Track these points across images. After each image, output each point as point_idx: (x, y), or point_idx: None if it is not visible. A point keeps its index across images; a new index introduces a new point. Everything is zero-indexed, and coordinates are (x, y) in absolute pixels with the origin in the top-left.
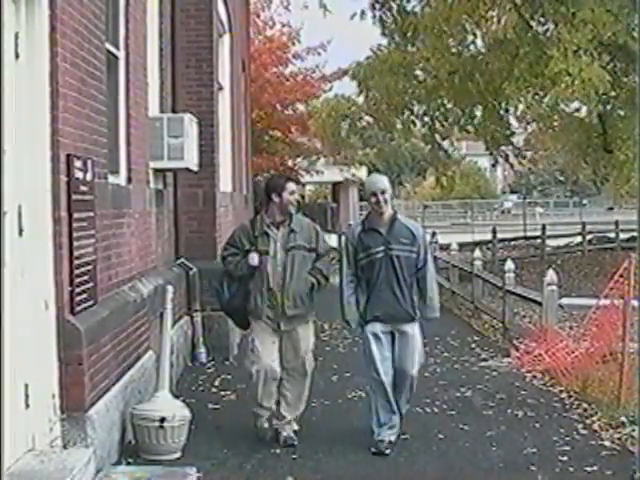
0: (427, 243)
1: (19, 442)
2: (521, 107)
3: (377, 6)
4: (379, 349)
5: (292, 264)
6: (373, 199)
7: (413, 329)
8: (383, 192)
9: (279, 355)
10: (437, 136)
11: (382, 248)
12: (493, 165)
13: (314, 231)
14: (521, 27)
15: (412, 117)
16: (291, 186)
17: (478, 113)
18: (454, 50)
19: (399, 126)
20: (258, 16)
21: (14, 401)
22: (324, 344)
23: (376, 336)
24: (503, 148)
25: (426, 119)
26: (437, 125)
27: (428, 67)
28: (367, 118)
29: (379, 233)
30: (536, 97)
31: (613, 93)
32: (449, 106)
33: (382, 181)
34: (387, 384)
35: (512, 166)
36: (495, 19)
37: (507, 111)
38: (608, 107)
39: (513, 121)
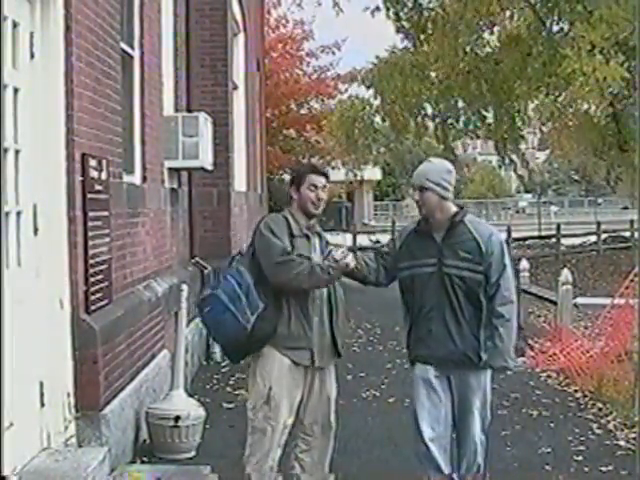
0: (505, 259)
1: (34, 441)
2: (531, 107)
3: (391, 1)
4: (429, 399)
5: (335, 289)
6: (416, 196)
7: (478, 378)
8: (423, 189)
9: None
10: (449, 136)
11: (433, 261)
12: (500, 166)
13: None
14: (535, 26)
15: (425, 118)
16: (313, 178)
17: (490, 114)
18: (467, 49)
19: (412, 127)
20: (269, 13)
21: (29, 400)
22: None
23: (427, 382)
24: (511, 149)
25: (438, 120)
26: (449, 126)
27: (441, 67)
28: (380, 119)
29: (432, 240)
30: (550, 97)
31: (626, 92)
32: (461, 106)
33: (424, 174)
34: (436, 451)
35: (517, 168)
36: (509, 17)
37: (518, 112)
38: (619, 107)
39: (526, 121)
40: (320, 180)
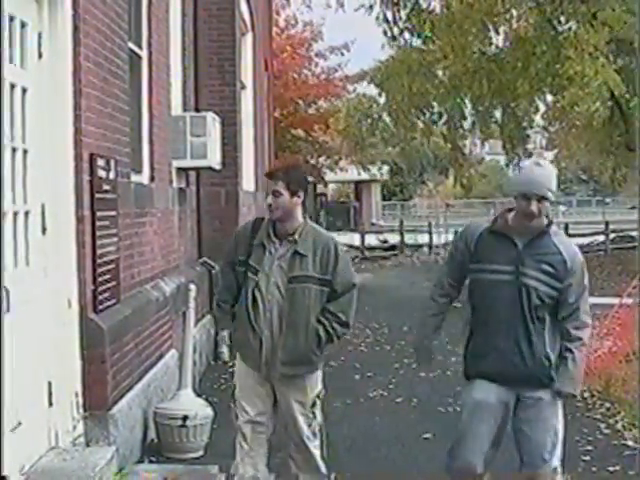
0: (585, 280)
1: (42, 440)
2: (535, 106)
3: (388, 3)
4: (479, 426)
5: (292, 303)
6: (523, 203)
7: (550, 398)
8: (542, 199)
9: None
10: (456, 135)
11: (510, 269)
12: (507, 165)
13: (333, 254)
14: (541, 25)
15: (432, 117)
16: (267, 185)
17: (497, 113)
18: (474, 49)
19: (420, 126)
20: (278, 14)
21: (37, 399)
22: (346, 343)
23: (481, 405)
24: (517, 149)
25: (445, 118)
26: (456, 124)
27: (448, 66)
28: (388, 117)
29: (513, 243)
30: (553, 97)
31: (627, 96)
32: (468, 106)
33: (545, 182)
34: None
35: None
36: (515, 17)
37: (522, 111)
38: (625, 107)
39: (532, 122)
40: (269, 185)
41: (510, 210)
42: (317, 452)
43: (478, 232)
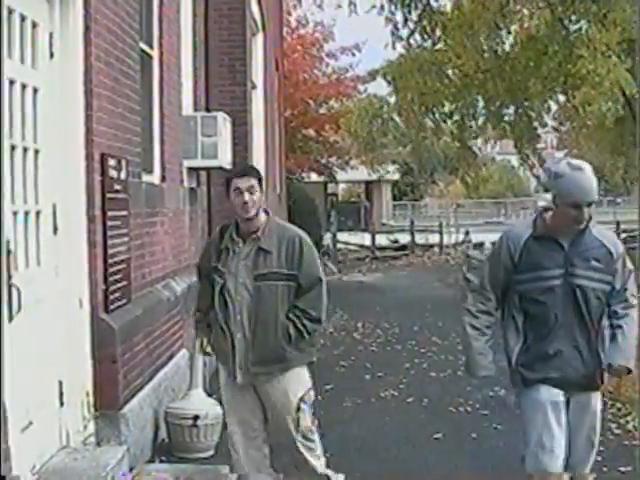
0: (628, 263)
1: (53, 439)
2: (547, 106)
3: (397, 4)
4: (555, 427)
5: (259, 301)
6: (574, 212)
7: (597, 402)
8: (590, 204)
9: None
10: (466, 135)
11: (560, 272)
12: (520, 164)
13: (298, 248)
14: (552, 25)
15: (442, 116)
16: (236, 182)
17: (508, 112)
18: (485, 48)
19: (430, 125)
20: (289, 14)
21: (48, 399)
22: (356, 343)
23: (555, 405)
24: (528, 149)
25: (456, 117)
26: (467, 124)
27: (459, 65)
28: (398, 117)
29: (559, 245)
30: (565, 96)
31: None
32: (480, 105)
33: (593, 184)
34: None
35: (532, 167)
36: (528, 16)
37: (534, 111)
38: (637, 107)
39: (543, 122)
40: (243, 182)
41: (546, 210)
42: (310, 453)
43: (521, 241)
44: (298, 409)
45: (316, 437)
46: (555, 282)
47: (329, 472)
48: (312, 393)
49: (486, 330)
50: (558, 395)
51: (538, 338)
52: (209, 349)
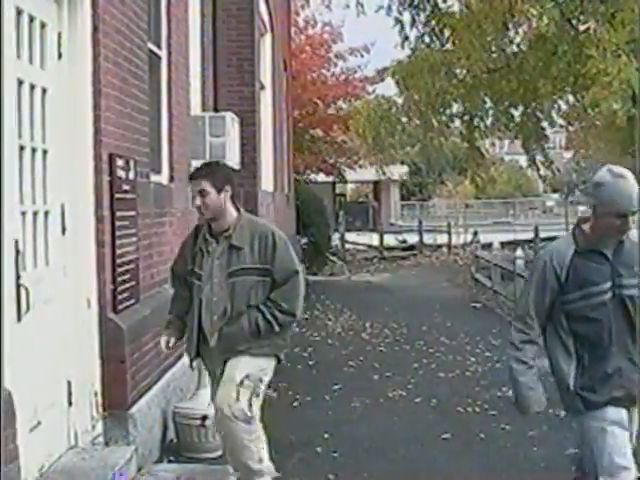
0: None
1: (61, 439)
2: (556, 106)
3: (405, 5)
4: (629, 445)
5: (233, 298)
6: (617, 222)
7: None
8: (635, 212)
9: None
10: (475, 135)
11: (609, 284)
12: (529, 165)
13: (271, 243)
14: (561, 25)
15: (451, 116)
16: (191, 185)
17: (517, 113)
18: (493, 48)
19: (437, 125)
20: (297, 14)
21: (57, 399)
22: (365, 343)
23: (622, 423)
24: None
25: (465, 117)
26: (475, 124)
27: (467, 65)
28: (406, 118)
29: (605, 258)
30: (575, 96)
31: None
32: (488, 105)
33: (637, 195)
34: None
35: (539, 168)
36: (537, 16)
37: (542, 111)
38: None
39: (554, 122)
40: (193, 186)
41: (584, 221)
42: (248, 439)
43: (566, 259)
44: (241, 383)
45: (257, 427)
46: (605, 297)
47: (264, 467)
48: (264, 380)
49: (532, 362)
50: (623, 412)
51: (594, 358)
52: (172, 344)
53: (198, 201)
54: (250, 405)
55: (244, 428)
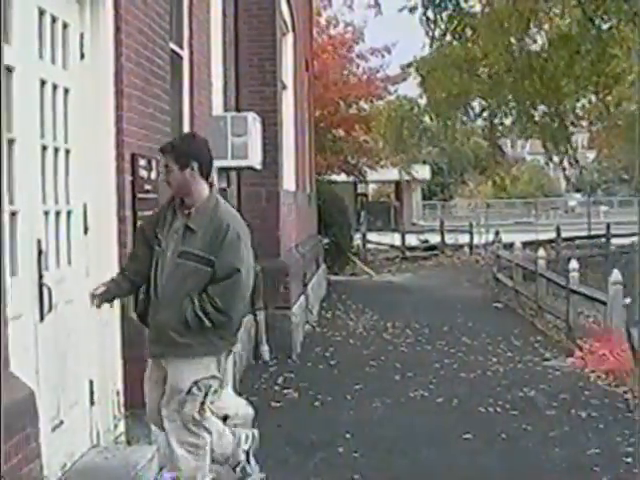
0: None
1: (84, 438)
2: (579, 105)
3: (429, 4)
4: None
5: (171, 279)
6: None
7: None
8: None
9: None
10: (496, 134)
11: None
12: (547, 163)
13: (222, 234)
14: (584, 24)
15: (473, 115)
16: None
17: (537, 113)
18: (515, 47)
19: (460, 124)
20: (319, 14)
21: (79, 398)
22: (386, 343)
23: None
24: (559, 149)
25: (485, 115)
26: (497, 122)
27: (490, 64)
28: (427, 118)
29: None
30: (598, 95)
31: None
32: (511, 104)
33: None
34: None
35: (566, 166)
36: (559, 15)
37: (564, 112)
38: None
39: (576, 122)
40: (161, 160)
41: None
42: (193, 439)
43: None
44: (189, 392)
45: (201, 430)
46: None
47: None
48: (212, 383)
49: None
50: None
51: None
52: (97, 302)
53: (163, 176)
54: (197, 413)
55: (194, 432)
